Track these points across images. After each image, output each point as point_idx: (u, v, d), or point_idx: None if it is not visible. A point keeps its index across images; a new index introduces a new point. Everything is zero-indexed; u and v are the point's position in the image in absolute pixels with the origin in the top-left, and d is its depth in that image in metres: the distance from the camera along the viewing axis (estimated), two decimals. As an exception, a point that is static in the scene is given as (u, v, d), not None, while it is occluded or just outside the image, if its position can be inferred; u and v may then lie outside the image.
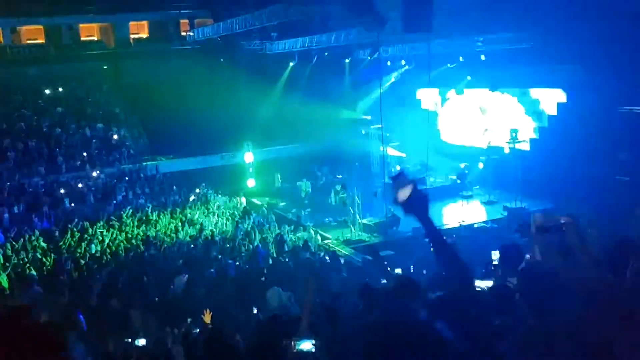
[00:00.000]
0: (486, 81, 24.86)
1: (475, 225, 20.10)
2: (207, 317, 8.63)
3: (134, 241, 19.47)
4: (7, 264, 17.89)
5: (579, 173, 19.52)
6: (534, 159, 22.34)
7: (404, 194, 2.56)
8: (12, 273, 17.25)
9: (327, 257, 17.35)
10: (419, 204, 2.59)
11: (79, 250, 18.86)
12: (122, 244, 19.22)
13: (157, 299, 14.66)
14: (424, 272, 12.97)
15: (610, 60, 18.54)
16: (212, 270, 16.31)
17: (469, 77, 26.07)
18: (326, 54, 29.24)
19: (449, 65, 25.77)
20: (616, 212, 12.75)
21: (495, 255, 11.56)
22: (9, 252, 18.88)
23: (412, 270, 14.67)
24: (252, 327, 8.54)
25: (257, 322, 8.48)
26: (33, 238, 19.84)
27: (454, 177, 25.21)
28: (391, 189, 2.65)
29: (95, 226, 21.37)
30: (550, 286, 2.85)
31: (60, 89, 32.43)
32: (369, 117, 30.39)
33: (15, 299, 16.07)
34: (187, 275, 15.56)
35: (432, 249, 2.72)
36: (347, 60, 30.84)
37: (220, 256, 17.67)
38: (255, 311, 10.87)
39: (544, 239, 3.17)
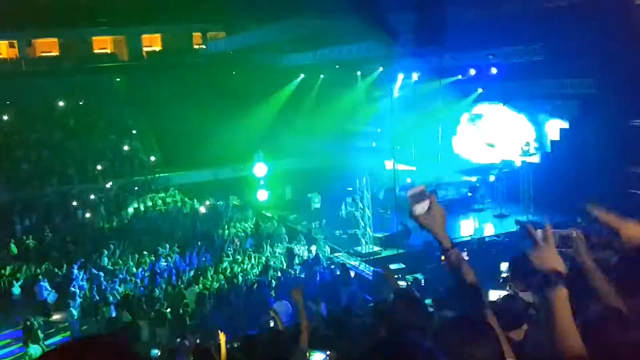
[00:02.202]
0: (498, 94, 24.80)
1: (487, 239, 19.96)
2: (221, 339, 8.46)
3: (145, 253, 19.50)
4: (19, 275, 18.02)
5: (592, 186, 19.34)
6: (545, 173, 22.19)
7: (422, 208, 2.48)
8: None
9: (337, 270, 17.30)
10: (435, 220, 2.52)
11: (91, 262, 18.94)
12: (134, 256, 19.28)
13: (168, 310, 14.70)
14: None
15: (622, 73, 18.45)
16: (223, 282, 16.33)
17: (480, 90, 26.00)
18: (337, 66, 29.31)
19: (460, 77, 25.71)
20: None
21: (504, 266, 11.53)
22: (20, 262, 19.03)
23: (423, 284, 14.60)
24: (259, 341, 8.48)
25: (264, 336, 8.41)
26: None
27: (465, 190, 25.09)
28: (408, 203, 2.54)
29: (107, 238, 21.51)
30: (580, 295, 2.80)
31: (74, 101, 32.73)
32: (379, 130, 30.38)
33: (25, 309, 16.20)
34: (197, 287, 15.61)
35: (444, 263, 2.67)
36: (358, 73, 30.87)
37: (230, 269, 17.68)
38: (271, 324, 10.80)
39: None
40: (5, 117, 30.14)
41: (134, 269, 18.04)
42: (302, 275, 16.94)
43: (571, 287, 3.00)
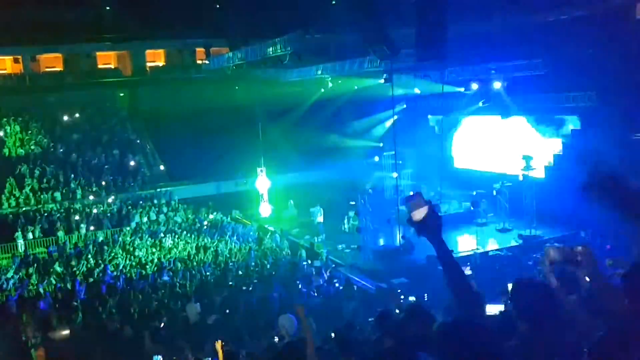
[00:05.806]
0: (499, 108, 24.84)
1: (490, 253, 19.90)
2: (218, 347, 8.46)
3: (148, 267, 19.51)
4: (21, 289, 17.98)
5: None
6: (548, 187, 22.15)
7: (419, 214, 2.55)
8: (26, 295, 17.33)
9: (340, 285, 17.25)
10: (433, 226, 2.58)
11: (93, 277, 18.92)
12: (136, 270, 19.26)
13: (168, 325, 14.62)
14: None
15: (623, 87, 18.51)
16: (225, 297, 16.27)
17: (481, 104, 26.04)
18: (340, 81, 29.44)
19: (462, 90, 25.75)
20: (632, 240, 12.58)
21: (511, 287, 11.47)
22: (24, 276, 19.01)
23: (426, 299, 14.53)
24: (266, 355, 8.47)
25: (271, 349, 8.41)
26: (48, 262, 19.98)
27: (468, 204, 25.05)
28: (406, 209, 2.63)
29: (110, 252, 21.52)
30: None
31: (77, 116, 32.89)
32: (381, 144, 30.43)
33: (27, 323, 16.12)
34: (199, 303, 15.53)
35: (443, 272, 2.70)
36: (355, 87, 30.88)
37: (233, 283, 17.63)
38: (276, 339, 10.77)
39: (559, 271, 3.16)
40: (9, 131, 30.28)
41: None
42: (304, 290, 16.89)
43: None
